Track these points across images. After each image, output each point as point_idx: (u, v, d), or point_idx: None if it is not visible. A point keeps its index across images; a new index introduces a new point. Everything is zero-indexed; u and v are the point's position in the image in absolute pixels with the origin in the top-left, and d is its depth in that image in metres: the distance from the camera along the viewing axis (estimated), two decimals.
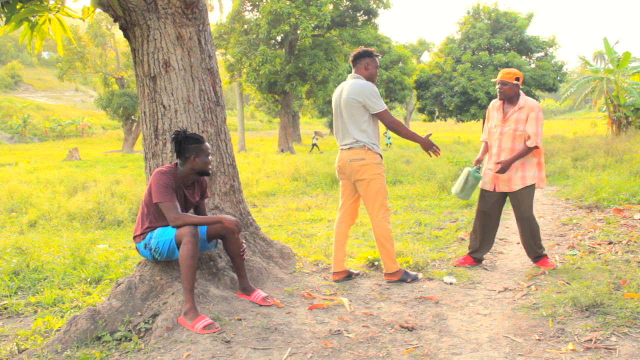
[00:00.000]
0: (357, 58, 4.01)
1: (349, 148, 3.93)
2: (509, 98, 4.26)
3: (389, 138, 29.43)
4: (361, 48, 4.06)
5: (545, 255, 4.37)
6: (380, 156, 3.97)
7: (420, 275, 4.12)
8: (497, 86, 4.31)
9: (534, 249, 4.34)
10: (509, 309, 3.46)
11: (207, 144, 3.33)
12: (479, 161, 4.51)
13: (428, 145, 3.96)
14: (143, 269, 3.47)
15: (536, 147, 4.16)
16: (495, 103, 4.40)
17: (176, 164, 3.33)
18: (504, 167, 4.17)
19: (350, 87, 3.91)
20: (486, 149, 4.50)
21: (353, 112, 3.87)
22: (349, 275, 4.15)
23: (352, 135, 3.89)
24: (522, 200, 4.27)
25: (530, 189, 4.27)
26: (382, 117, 3.88)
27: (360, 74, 3.98)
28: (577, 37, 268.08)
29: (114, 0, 3.49)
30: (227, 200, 4.00)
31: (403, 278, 4.03)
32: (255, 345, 2.90)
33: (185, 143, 3.23)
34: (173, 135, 3.27)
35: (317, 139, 30.00)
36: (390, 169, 12.02)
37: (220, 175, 4.00)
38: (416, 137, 3.98)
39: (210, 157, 3.34)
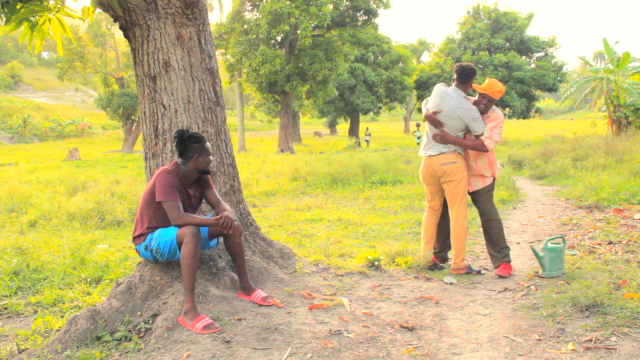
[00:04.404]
0: (469, 76, 4.21)
1: (438, 154, 4.24)
2: (487, 112, 4.26)
3: (368, 135, 31.50)
4: (469, 64, 4.28)
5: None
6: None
7: (482, 271, 4.33)
8: (482, 99, 4.20)
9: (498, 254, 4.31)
10: (509, 309, 3.46)
11: (208, 143, 3.38)
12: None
13: None
14: (143, 269, 3.48)
15: (486, 150, 4.17)
16: None
17: (177, 162, 3.34)
18: (443, 136, 4.18)
19: (458, 106, 4.16)
20: None
21: (455, 125, 4.17)
22: (434, 265, 4.49)
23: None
24: (484, 199, 4.31)
25: (490, 189, 4.33)
26: (477, 136, 4.20)
27: (464, 91, 4.24)
28: (577, 37, 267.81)
29: (114, 0, 3.49)
30: (227, 200, 4.00)
31: (468, 272, 4.31)
32: (255, 345, 2.91)
33: (189, 142, 3.27)
34: (175, 134, 3.30)
35: (369, 135, 31.51)
36: (391, 169, 12.01)
37: (220, 175, 4.00)
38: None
39: (211, 157, 3.38)
